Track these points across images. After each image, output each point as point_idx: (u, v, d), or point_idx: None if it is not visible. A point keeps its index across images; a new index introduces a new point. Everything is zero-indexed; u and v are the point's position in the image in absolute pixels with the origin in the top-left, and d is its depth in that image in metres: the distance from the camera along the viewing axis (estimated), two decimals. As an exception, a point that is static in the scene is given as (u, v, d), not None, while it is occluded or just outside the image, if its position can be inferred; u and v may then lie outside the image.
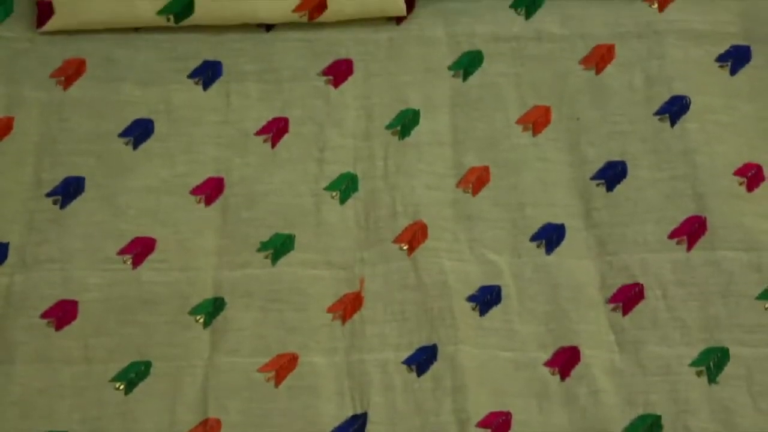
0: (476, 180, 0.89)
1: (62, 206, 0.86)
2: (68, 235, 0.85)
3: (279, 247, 0.84)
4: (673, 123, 0.90)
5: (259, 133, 0.91)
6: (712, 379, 0.79)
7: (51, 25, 0.88)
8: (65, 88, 0.89)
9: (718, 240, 0.84)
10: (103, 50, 0.90)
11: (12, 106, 0.89)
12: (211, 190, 0.88)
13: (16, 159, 0.88)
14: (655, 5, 0.93)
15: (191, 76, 0.91)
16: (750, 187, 0.87)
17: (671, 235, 0.85)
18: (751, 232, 0.85)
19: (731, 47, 0.92)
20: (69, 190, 0.86)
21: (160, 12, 0.88)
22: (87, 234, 0.85)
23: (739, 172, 0.88)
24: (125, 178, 0.88)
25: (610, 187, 0.88)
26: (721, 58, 0.92)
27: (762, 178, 0.87)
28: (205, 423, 0.77)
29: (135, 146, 0.89)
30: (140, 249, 0.84)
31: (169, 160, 0.89)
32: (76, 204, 0.86)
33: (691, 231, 0.85)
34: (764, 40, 0.93)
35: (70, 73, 0.89)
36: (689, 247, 0.84)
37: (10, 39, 0.89)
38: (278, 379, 0.79)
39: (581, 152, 0.90)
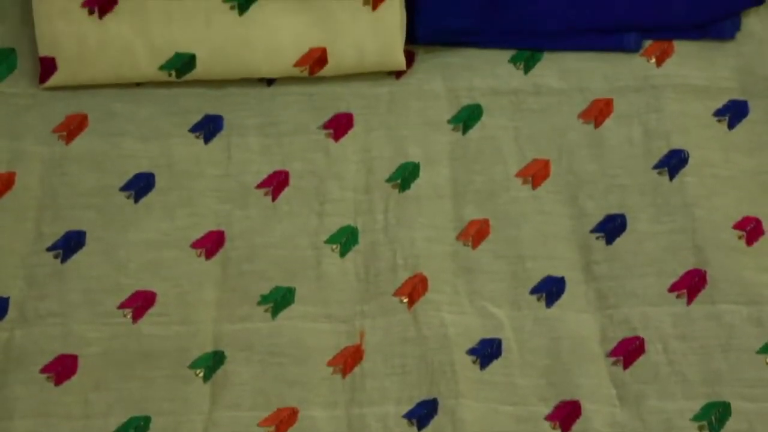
0: (476, 233, 0.90)
1: (63, 260, 0.86)
2: (69, 289, 0.85)
3: (279, 300, 0.84)
4: (672, 176, 0.91)
5: (259, 186, 0.91)
6: (713, 434, 0.79)
7: (54, 81, 0.89)
8: (67, 142, 0.90)
9: (719, 294, 0.84)
10: (105, 105, 0.90)
11: (14, 162, 0.89)
12: (211, 243, 0.88)
13: (17, 214, 0.88)
14: (653, 60, 0.93)
15: (192, 130, 0.91)
16: (749, 241, 0.87)
17: (671, 289, 0.85)
18: (751, 286, 0.85)
19: (729, 102, 0.93)
20: (70, 244, 0.87)
21: (162, 67, 0.89)
22: (87, 288, 0.85)
23: (739, 226, 0.88)
24: (126, 231, 0.88)
25: (609, 240, 0.88)
26: (719, 113, 0.93)
27: (761, 232, 0.88)
28: (205, 477, 0.77)
29: (136, 200, 0.90)
30: (141, 303, 0.84)
31: (169, 214, 0.89)
32: (76, 258, 0.86)
33: (691, 284, 0.85)
34: (761, 95, 0.93)
35: (72, 128, 0.90)
36: (689, 301, 0.84)
37: (13, 95, 0.89)
38: (279, 433, 0.79)
39: (580, 205, 0.90)
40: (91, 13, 0.87)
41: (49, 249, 0.86)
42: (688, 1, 0.92)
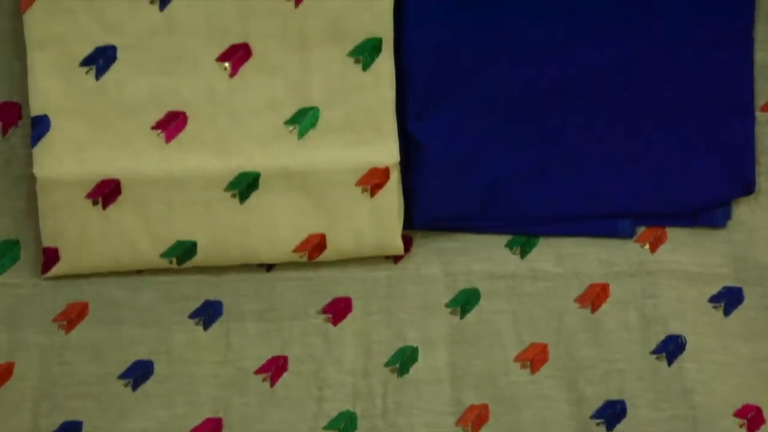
0: (475, 418, 0.89)
1: (58, 452, 0.85)
2: (64, 482, 0.84)
3: (277, 489, 0.84)
4: (670, 362, 0.91)
5: (258, 371, 0.91)
6: None
7: (56, 270, 0.89)
8: (67, 331, 0.90)
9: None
10: (105, 293, 0.91)
11: (13, 352, 0.89)
12: (209, 431, 0.87)
13: (14, 406, 0.88)
14: (647, 246, 0.95)
15: (192, 316, 0.92)
16: (751, 430, 0.87)
17: (674, 476, 0.85)
18: (755, 478, 0.84)
19: (723, 288, 0.94)
20: (66, 435, 0.86)
21: (164, 255, 0.90)
22: (83, 481, 0.84)
23: (739, 414, 0.88)
24: (123, 420, 0.88)
25: (610, 426, 0.88)
26: (714, 299, 0.94)
27: (762, 421, 0.87)
28: None
29: (134, 388, 0.89)
30: (137, 495, 0.83)
31: (168, 401, 0.89)
32: (73, 449, 0.86)
33: (694, 472, 0.85)
34: (755, 283, 0.94)
35: (73, 316, 0.90)
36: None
37: (14, 285, 0.90)
38: None
39: (580, 390, 0.90)
40: (95, 203, 0.88)
41: (45, 441, 0.86)
42: (680, 191, 0.93)
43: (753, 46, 0.93)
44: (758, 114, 0.94)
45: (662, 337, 0.92)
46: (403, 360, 0.92)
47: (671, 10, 0.92)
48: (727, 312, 0.94)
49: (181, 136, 0.89)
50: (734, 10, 0.92)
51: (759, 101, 0.94)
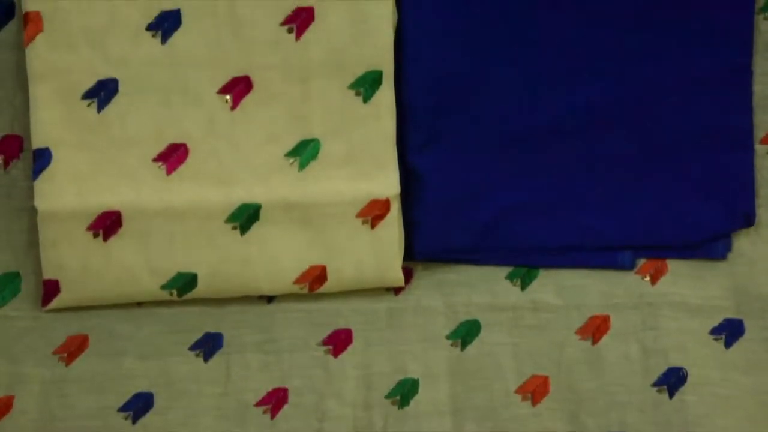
0: (477, 451, 0.89)
1: (56, 488, 0.85)
2: None
3: None
4: (671, 395, 0.91)
5: (258, 404, 0.91)
6: None
7: (56, 303, 0.89)
8: (67, 364, 0.90)
9: None
10: (106, 325, 0.91)
11: (13, 385, 0.89)
12: (209, 465, 0.88)
13: (13, 441, 0.88)
14: (648, 278, 0.95)
15: (192, 348, 0.91)
16: (755, 466, 0.87)
17: None
18: None
19: (724, 320, 0.94)
20: (64, 470, 0.86)
21: (164, 287, 0.90)
22: None
23: (743, 449, 0.88)
24: (122, 454, 0.88)
25: (612, 459, 0.88)
26: (715, 331, 0.94)
27: (764, 454, 0.88)
28: None
29: (134, 421, 0.89)
30: None
31: (167, 434, 0.89)
32: (70, 485, 0.85)
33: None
34: (756, 315, 0.94)
35: (73, 349, 0.90)
36: None
37: (15, 318, 0.89)
38: None
39: (581, 422, 0.90)
40: (96, 236, 0.88)
41: (42, 478, 0.86)
42: (680, 223, 0.93)
43: (752, 80, 0.94)
44: (758, 146, 0.94)
45: (663, 369, 0.92)
46: (404, 392, 0.92)
47: (670, 47, 0.92)
48: (728, 344, 0.94)
49: (182, 168, 0.90)
50: (733, 47, 0.93)
51: (758, 134, 0.95)
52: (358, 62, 0.90)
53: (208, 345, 0.92)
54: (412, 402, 0.91)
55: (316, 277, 0.92)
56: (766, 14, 0.94)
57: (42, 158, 0.88)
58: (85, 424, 0.88)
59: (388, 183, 0.91)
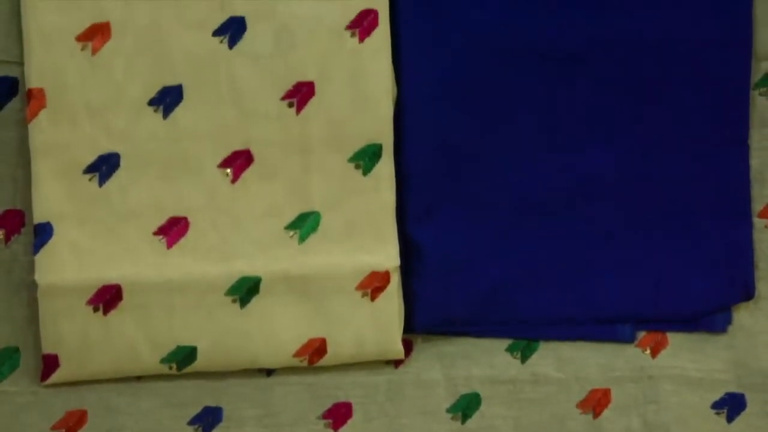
0: None
1: None
2: None
3: None
4: (673, 469, 0.91)
5: (257, 478, 0.90)
6: None
7: (55, 378, 0.89)
8: (66, 439, 0.89)
9: None
10: (104, 399, 0.90)
11: (10, 461, 0.88)
12: None
13: None
14: (648, 351, 0.95)
15: (191, 422, 0.91)
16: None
17: None
18: None
19: (726, 394, 0.94)
20: None
21: (163, 360, 0.89)
22: None
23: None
24: None
25: None
26: (717, 405, 0.93)
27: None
28: None
29: (132, 497, 0.89)
30: None
31: None
32: None
33: None
34: (757, 389, 0.94)
35: (71, 424, 0.89)
36: None
37: (13, 393, 0.89)
38: None
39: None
40: (95, 310, 0.88)
41: None
42: (680, 296, 0.94)
43: (749, 153, 0.95)
44: (756, 220, 0.95)
45: (666, 444, 0.92)
46: (405, 466, 0.91)
47: (670, 119, 0.93)
48: (730, 419, 0.93)
49: (183, 241, 0.90)
50: (731, 119, 0.94)
51: (756, 207, 0.95)
52: (358, 136, 0.91)
53: (208, 419, 0.91)
54: (412, 478, 0.91)
55: (315, 349, 0.91)
56: (761, 89, 0.95)
57: (43, 233, 0.88)
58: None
59: (388, 255, 0.91)
